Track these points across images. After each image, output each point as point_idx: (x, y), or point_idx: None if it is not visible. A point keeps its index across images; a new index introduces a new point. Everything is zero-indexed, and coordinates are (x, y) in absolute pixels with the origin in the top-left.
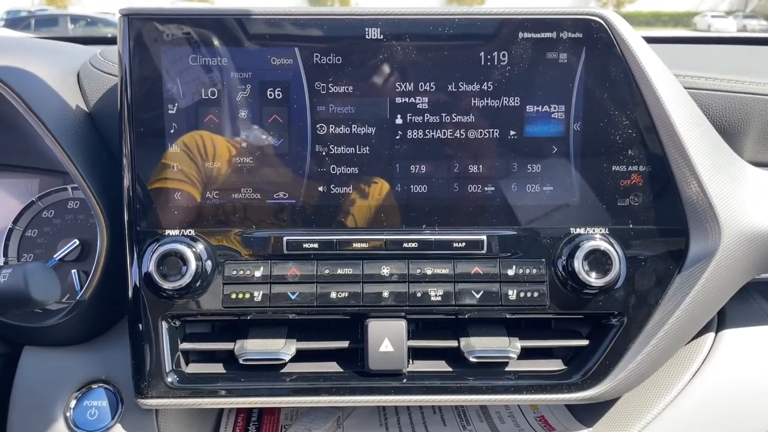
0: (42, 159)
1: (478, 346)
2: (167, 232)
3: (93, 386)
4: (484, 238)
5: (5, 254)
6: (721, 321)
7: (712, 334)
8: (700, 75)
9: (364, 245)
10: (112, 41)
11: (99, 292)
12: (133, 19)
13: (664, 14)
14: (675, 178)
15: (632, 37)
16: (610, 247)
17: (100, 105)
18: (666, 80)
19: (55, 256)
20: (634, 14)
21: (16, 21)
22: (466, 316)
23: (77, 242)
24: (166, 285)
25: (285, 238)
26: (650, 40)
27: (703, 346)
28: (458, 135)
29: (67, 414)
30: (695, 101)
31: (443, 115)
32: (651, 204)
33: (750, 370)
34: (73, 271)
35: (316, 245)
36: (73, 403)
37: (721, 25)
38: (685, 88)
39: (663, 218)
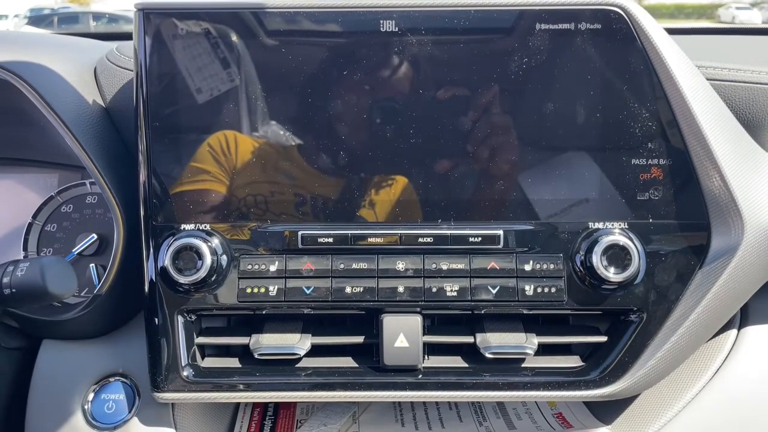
0: (60, 154)
1: (495, 341)
2: (183, 226)
3: (110, 380)
4: (501, 232)
5: (25, 248)
6: (744, 317)
7: (734, 331)
8: (723, 66)
9: (379, 240)
10: (129, 36)
11: (116, 286)
12: (148, 13)
13: (687, 6)
14: (696, 172)
15: (652, 28)
16: (629, 242)
17: (117, 100)
18: (687, 71)
19: (73, 250)
20: (657, 6)
21: (39, 19)
22: (482, 312)
23: (95, 237)
24: (182, 279)
25: (300, 233)
26: (672, 32)
27: (725, 344)
28: (474, 129)
29: (85, 407)
30: (717, 93)
31: (459, 108)
32: (671, 198)
33: None
34: (91, 265)
35: (331, 240)
36: (90, 396)
37: (746, 16)
38: (707, 79)
39: (684, 212)
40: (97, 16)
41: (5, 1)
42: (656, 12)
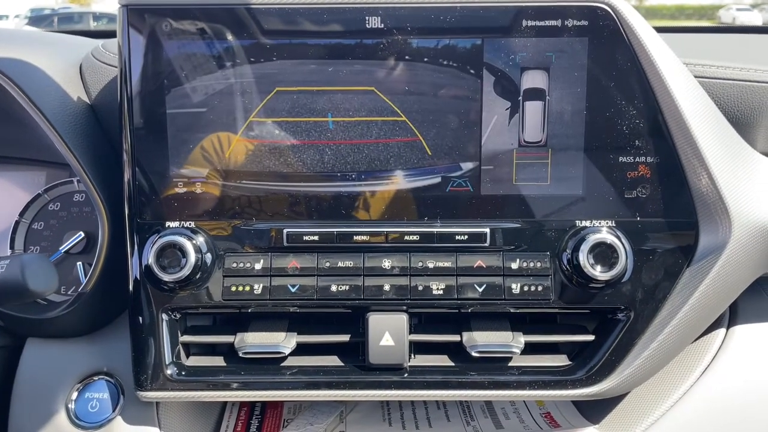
0: (48, 152)
1: (481, 340)
2: (167, 224)
3: (94, 378)
4: (487, 230)
5: (12, 246)
6: (732, 316)
7: (723, 330)
8: (711, 63)
9: (365, 238)
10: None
11: (101, 284)
12: (132, 9)
13: (688, 7)
14: (684, 170)
15: (640, 25)
16: (616, 240)
17: (102, 97)
18: (675, 69)
19: (60, 248)
20: (658, 7)
21: (39, 19)
22: (469, 311)
23: (82, 235)
24: (166, 277)
25: (285, 231)
26: (665, 30)
27: (714, 342)
28: (461, 126)
29: (69, 406)
30: (706, 90)
31: (446, 106)
32: (659, 196)
33: (762, 367)
34: (78, 263)
35: (316, 237)
36: (74, 395)
37: (746, 18)
38: (696, 76)
39: (671, 211)
40: (98, 17)
41: (6, 2)
42: (657, 13)
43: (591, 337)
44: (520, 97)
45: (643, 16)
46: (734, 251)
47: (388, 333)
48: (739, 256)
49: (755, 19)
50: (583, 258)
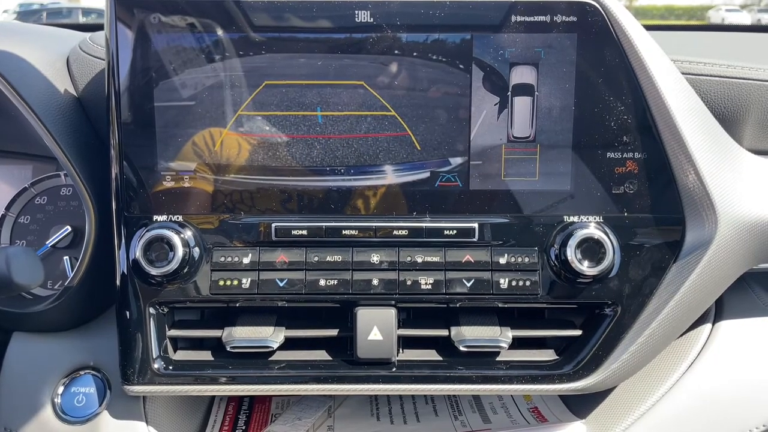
0: (35, 145)
1: (469, 335)
2: (155, 217)
3: (81, 372)
4: (476, 225)
5: None
6: (718, 312)
7: (708, 326)
8: (698, 60)
9: (353, 232)
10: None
11: (87, 278)
12: (120, 1)
13: (677, 8)
14: (671, 166)
15: (628, 22)
16: (603, 236)
17: (89, 90)
18: (663, 65)
19: (47, 242)
20: (647, 8)
21: (27, 14)
22: (458, 305)
23: (69, 229)
24: (154, 271)
25: (274, 225)
26: (650, 28)
27: (700, 338)
28: (450, 121)
29: (55, 400)
30: (693, 87)
31: (435, 101)
32: (646, 192)
33: (747, 362)
34: (65, 257)
35: (305, 232)
36: (60, 389)
37: (735, 18)
38: (683, 73)
39: (659, 206)
40: (87, 12)
41: None
42: (647, 13)
43: (578, 332)
44: (509, 93)
45: (633, 16)
46: (720, 247)
47: (376, 327)
48: (725, 252)
49: (744, 20)
50: (571, 253)
